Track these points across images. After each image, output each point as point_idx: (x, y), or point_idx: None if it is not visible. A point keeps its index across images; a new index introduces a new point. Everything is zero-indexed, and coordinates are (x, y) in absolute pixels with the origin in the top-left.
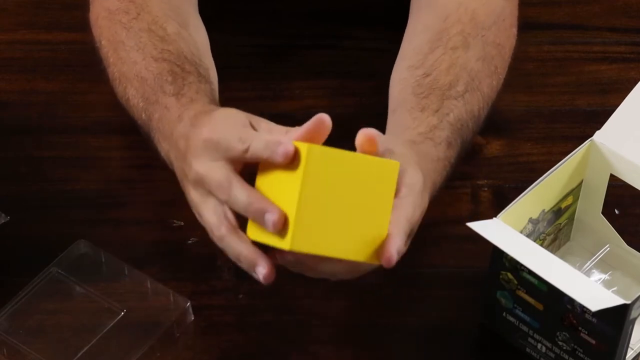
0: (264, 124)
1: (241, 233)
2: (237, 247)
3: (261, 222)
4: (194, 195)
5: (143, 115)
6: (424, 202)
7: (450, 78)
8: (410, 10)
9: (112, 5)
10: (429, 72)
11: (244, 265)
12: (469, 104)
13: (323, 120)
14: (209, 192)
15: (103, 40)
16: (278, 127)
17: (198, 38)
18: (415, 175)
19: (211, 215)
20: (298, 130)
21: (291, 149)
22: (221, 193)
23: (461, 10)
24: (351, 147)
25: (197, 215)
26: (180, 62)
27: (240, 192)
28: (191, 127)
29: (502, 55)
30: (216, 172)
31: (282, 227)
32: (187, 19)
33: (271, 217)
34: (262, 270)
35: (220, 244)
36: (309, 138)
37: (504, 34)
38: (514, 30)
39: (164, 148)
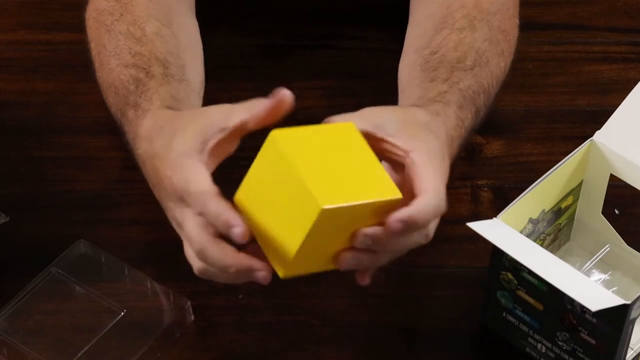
0: (217, 136)
1: (225, 244)
2: (224, 256)
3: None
4: (177, 229)
5: (120, 126)
6: (443, 163)
7: (458, 54)
8: (410, 5)
9: (100, 5)
10: (436, 50)
11: (234, 275)
12: (478, 76)
13: (284, 98)
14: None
15: (92, 42)
16: (235, 117)
17: (181, 35)
18: (424, 140)
19: (187, 247)
20: (256, 107)
21: (243, 231)
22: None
23: None
24: None
25: (177, 230)
26: (149, 65)
27: (217, 253)
28: (151, 155)
29: (508, 41)
30: (194, 232)
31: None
32: (173, 17)
33: (260, 274)
34: (261, 273)
35: (203, 258)
36: (268, 116)
37: (509, 22)
38: (517, 21)
39: (138, 164)
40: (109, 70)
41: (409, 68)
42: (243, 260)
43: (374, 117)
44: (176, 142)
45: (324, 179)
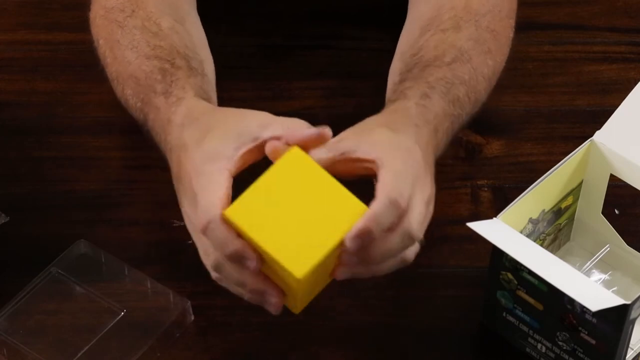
0: (249, 144)
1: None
2: (234, 287)
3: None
4: (188, 226)
5: (141, 116)
6: (410, 155)
7: (437, 53)
8: (409, 7)
9: (109, 3)
10: (416, 52)
11: (248, 295)
12: (456, 70)
13: (325, 135)
14: None
15: (100, 39)
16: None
17: (194, 32)
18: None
19: (201, 248)
20: (295, 129)
21: (257, 265)
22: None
23: (455, 0)
24: None
25: (193, 236)
26: (172, 57)
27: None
28: (181, 145)
29: (497, 40)
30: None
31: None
32: (184, 15)
33: (273, 300)
34: (272, 299)
35: (218, 273)
36: (302, 145)
37: (499, 23)
38: (511, 22)
39: (162, 149)
40: (127, 63)
41: (390, 75)
42: (260, 282)
43: (333, 141)
44: (208, 140)
45: (289, 241)
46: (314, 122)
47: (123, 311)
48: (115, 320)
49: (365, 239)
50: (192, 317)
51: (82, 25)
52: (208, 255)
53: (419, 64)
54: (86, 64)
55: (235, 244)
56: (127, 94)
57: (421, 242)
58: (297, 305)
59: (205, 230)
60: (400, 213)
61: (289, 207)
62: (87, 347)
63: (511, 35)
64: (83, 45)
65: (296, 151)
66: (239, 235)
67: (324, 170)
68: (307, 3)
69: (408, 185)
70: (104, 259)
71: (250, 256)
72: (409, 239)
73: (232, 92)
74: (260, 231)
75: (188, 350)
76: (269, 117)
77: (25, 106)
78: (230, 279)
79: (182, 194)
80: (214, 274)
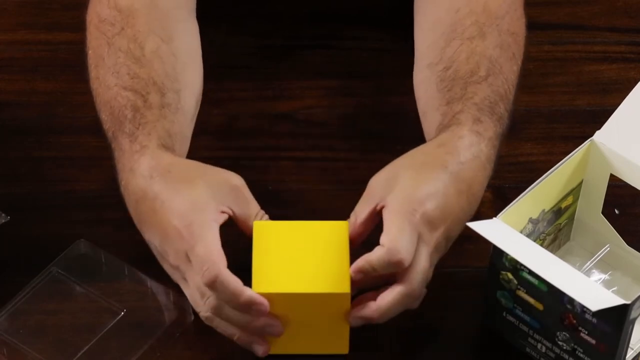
0: (228, 196)
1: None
2: (228, 327)
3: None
4: (171, 273)
5: (112, 145)
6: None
7: (471, 66)
8: (415, 8)
9: (102, 13)
10: (449, 65)
11: (240, 335)
12: (493, 85)
13: None
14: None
15: (90, 50)
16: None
17: (181, 52)
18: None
19: (193, 294)
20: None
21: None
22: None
23: (472, 2)
24: (351, 146)
25: (180, 282)
26: (146, 91)
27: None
28: (154, 195)
29: (517, 43)
30: (195, 277)
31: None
32: (172, 31)
33: (261, 349)
34: (260, 348)
35: (217, 315)
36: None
37: (517, 23)
38: (525, 21)
39: (122, 193)
40: (106, 87)
41: (424, 85)
42: (264, 319)
43: (370, 192)
44: (189, 190)
45: (316, 278)
46: (314, 122)
47: (123, 311)
48: (115, 320)
49: (366, 274)
50: (192, 317)
51: (82, 25)
52: (204, 298)
53: (457, 80)
54: (86, 63)
55: (247, 293)
56: (102, 118)
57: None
58: (346, 340)
59: (213, 284)
60: (399, 269)
61: (291, 258)
62: (87, 347)
63: (526, 34)
64: (83, 45)
65: (259, 224)
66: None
67: (289, 222)
68: (307, 3)
69: (411, 245)
70: (104, 259)
71: (261, 300)
72: (413, 299)
73: (232, 92)
74: (290, 286)
75: (188, 350)
76: (240, 190)
77: (25, 106)
78: (230, 320)
79: (165, 245)
80: (207, 315)
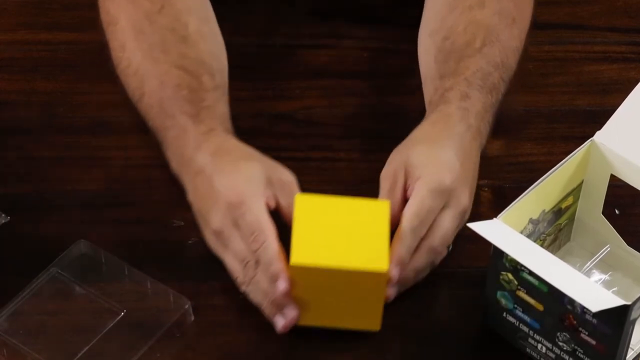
0: (278, 185)
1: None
2: (257, 295)
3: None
4: (212, 241)
5: (157, 121)
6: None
7: (468, 37)
8: None
9: None
10: (447, 35)
11: (266, 310)
12: (488, 55)
13: None
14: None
15: (122, 20)
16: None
17: (216, 32)
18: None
19: (232, 261)
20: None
21: (284, 289)
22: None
23: None
24: (351, 146)
25: (216, 254)
26: (199, 73)
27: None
28: (214, 169)
29: (519, 9)
30: (237, 242)
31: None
32: (207, 10)
33: (290, 315)
34: (279, 323)
35: (243, 289)
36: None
37: None
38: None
39: (177, 167)
40: (154, 61)
41: (425, 54)
42: (284, 297)
43: (389, 182)
44: (246, 165)
45: (353, 254)
46: (314, 121)
47: (123, 311)
48: (115, 320)
49: (417, 225)
50: (192, 317)
51: (82, 25)
52: (242, 264)
53: (453, 53)
54: (86, 64)
55: (279, 265)
56: (146, 89)
57: (449, 249)
58: (379, 318)
59: (259, 246)
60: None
61: (331, 233)
62: (87, 347)
63: (531, 12)
64: (83, 45)
65: (301, 196)
66: (299, 278)
67: (332, 196)
68: (307, 3)
69: (438, 202)
70: (104, 259)
71: (285, 279)
72: (435, 254)
73: (232, 92)
74: (328, 260)
75: (188, 350)
76: (291, 184)
77: (26, 106)
78: (261, 289)
79: (210, 212)
80: (244, 281)
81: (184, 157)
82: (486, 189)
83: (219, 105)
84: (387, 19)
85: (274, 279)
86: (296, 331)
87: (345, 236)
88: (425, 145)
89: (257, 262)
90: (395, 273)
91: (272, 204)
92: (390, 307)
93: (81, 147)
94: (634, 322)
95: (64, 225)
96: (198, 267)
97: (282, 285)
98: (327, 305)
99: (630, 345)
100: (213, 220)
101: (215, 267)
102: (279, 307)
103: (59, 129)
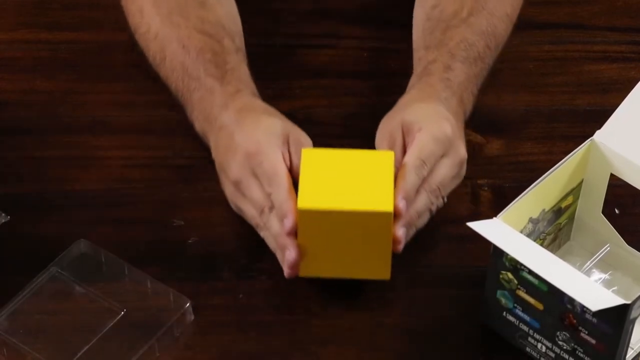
0: (295, 144)
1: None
2: (272, 241)
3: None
4: (231, 190)
5: (180, 84)
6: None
7: (455, 7)
8: None
9: None
10: (436, 4)
11: (278, 255)
12: (474, 25)
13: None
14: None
15: None
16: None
17: None
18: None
19: (249, 209)
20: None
21: (290, 227)
22: (258, 209)
23: None
24: (351, 146)
25: (233, 206)
26: (220, 36)
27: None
28: (236, 124)
29: None
30: (254, 190)
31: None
32: None
33: (289, 256)
34: (286, 269)
35: (262, 234)
36: None
37: None
38: None
39: (202, 126)
40: (175, 25)
41: (415, 23)
42: (288, 238)
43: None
44: (267, 118)
45: (359, 197)
46: (314, 121)
47: (123, 311)
48: (115, 320)
49: (422, 161)
50: (192, 317)
51: (82, 25)
52: (258, 210)
53: (440, 23)
54: (86, 63)
55: (290, 204)
56: (169, 54)
57: (444, 200)
58: (388, 265)
59: (274, 190)
60: (441, 145)
61: (337, 180)
62: (87, 347)
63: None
64: (83, 44)
65: (308, 150)
66: (307, 224)
67: (338, 149)
68: (307, 2)
69: (439, 149)
70: (104, 258)
71: (292, 218)
72: (434, 196)
73: None
74: (335, 203)
75: (188, 350)
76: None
77: (26, 106)
78: (271, 229)
79: (230, 162)
80: (260, 226)
81: (210, 116)
82: (486, 189)
83: (242, 67)
84: (387, 19)
85: (283, 219)
86: (296, 331)
87: (351, 183)
88: (419, 104)
89: (271, 208)
90: (401, 206)
91: (287, 161)
92: (390, 307)
93: (81, 147)
94: (633, 321)
95: (64, 225)
96: (198, 267)
97: (288, 223)
98: (336, 254)
99: (630, 345)
100: (232, 171)
101: (215, 267)
102: (284, 250)
103: (59, 129)
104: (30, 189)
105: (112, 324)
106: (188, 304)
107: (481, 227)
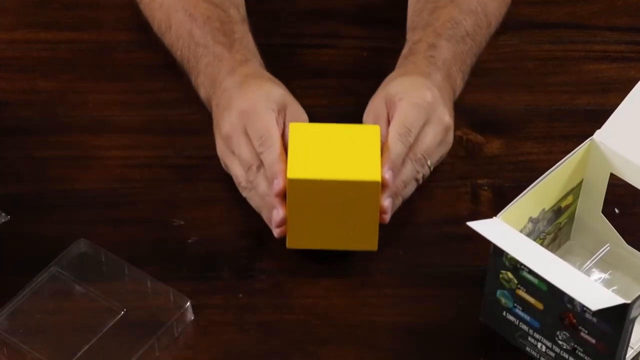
0: (290, 116)
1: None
2: (258, 202)
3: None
4: (221, 147)
5: (186, 51)
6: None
7: None
8: None
9: None
10: None
11: (264, 214)
12: (461, 4)
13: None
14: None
15: None
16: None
17: None
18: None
19: (236, 166)
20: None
21: (280, 188)
22: (245, 167)
23: None
24: None
25: (222, 165)
26: (226, 6)
27: (262, 179)
28: (238, 88)
29: None
30: (244, 147)
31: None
32: None
33: (277, 215)
34: (275, 229)
35: (245, 194)
36: None
37: None
38: None
39: (207, 92)
40: None
41: (408, 8)
42: (277, 200)
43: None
44: (266, 84)
45: (347, 168)
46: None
47: (123, 310)
48: (115, 319)
49: (406, 131)
50: (192, 317)
51: (82, 24)
52: (245, 168)
53: (428, 4)
54: (86, 63)
55: (281, 166)
56: (174, 22)
57: (430, 168)
58: (375, 236)
59: (265, 149)
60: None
61: (325, 152)
62: (87, 347)
63: None
64: (83, 44)
65: (295, 124)
66: (296, 195)
67: (325, 123)
68: (307, 2)
69: (421, 115)
70: (104, 258)
71: (282, 179)
72: (419, 165)
73: None
74: (323, 173)
75: (188, 350)
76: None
77: (26, 105)
78: (261, 195)
79: (225, 118)
80: (246, 186)
81: (216, 82)
82: (486, 188)
83: (249, 37)
84: (387, 19)
85: (273, 180)
86: (296, 330)
87: (339, 155)
88: (402, 78)
89: (259, 167)
90: (388, 177)
91: (280, 128)
92: (389, 307)
93: (81, 147)
94: (633, 320)
95: (64, 225)
96: (198, 266)
97: (278, 184)
98: (325, 225)
99: (630, 344)
100: (224, 126)
101: (215, 266)
102: (271, 209)
103: (59, 128)
104: (30, 189)
105: (112, 323)
106: (188, 304)
107: (481, 226)
